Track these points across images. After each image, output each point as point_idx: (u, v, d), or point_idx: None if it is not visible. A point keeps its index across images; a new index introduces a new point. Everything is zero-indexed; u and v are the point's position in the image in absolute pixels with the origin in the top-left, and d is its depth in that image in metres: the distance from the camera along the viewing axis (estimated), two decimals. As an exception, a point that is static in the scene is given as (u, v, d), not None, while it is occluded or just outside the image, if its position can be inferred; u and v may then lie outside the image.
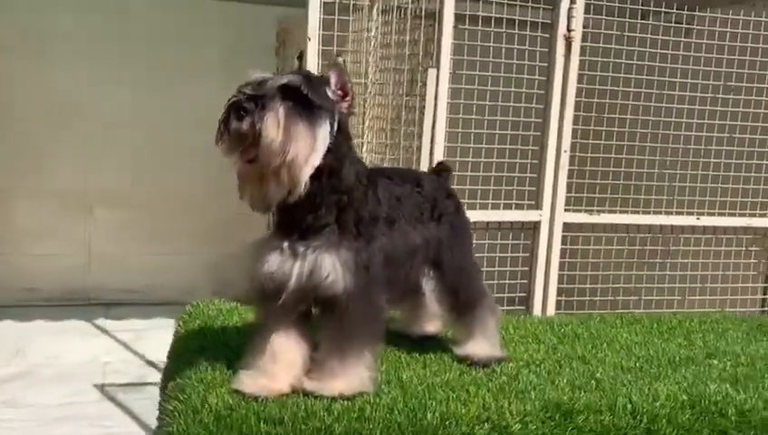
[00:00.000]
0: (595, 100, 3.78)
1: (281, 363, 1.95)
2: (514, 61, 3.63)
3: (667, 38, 3.83)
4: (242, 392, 1.91)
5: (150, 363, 5.01)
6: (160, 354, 5.00)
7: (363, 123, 3.83)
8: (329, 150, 1.85)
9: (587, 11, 3.64)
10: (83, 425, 4.08)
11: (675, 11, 3.85)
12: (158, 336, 5.50)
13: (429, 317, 2.45)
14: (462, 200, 2.42)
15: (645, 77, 3.81)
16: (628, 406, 2.01)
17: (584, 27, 3.64)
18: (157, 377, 4.82)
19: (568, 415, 1.97)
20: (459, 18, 3.47)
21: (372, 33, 3.82)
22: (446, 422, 1.88)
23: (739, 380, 2.25)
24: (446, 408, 1.92)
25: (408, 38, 3.48)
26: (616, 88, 3.80)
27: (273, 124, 1.75)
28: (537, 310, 3.73)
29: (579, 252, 3.86)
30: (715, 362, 2.44)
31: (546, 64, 3.65)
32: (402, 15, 3.57)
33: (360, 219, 1.96)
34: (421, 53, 3.47)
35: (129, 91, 5.95)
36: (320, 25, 3.31)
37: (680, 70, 3.84)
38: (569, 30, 3.60)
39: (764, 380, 2.25)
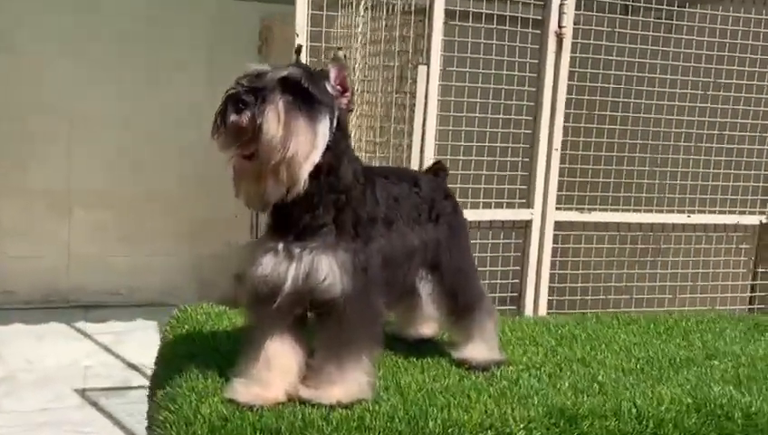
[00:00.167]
0: (586, 97, 3.74)
1: (275, 370, 1.88)
2: (505, 58, 3.58)
3: (657, 34, 3.79)
4: (236, 402, 1.84)
5: (132, 367, 4.92)
6: (142, 357, 4.96)
7: (351, 121, 3.76)
8: (327, 148, 1.78)
9: (578, 7, 3.60)
10: (65, 431, 3.99)
11: (662, 6, 3.81)
12: (139, 339, 5.43)
13: (425, 320, 2.40)
14: (452, 199, 2.35)
15: (636, 74, 3.77)
16: (633, 410, 1.97)
17: (575, 24, 3.60)
18: (139, 380, 4.78)
19: (572, 420, 1.92)
20: (449, 14, 3.41)
21: (360, 29, 3.75)
22: (449, 430, 1.82)
23: (742, 381, 2.22)
24: (447, 415, 1.86)
25: (397, 34, 3.41)
26: (607, 85, 3.76)
27: (273, 118, 1.67)
28: (528, 309, 3.69)
29: (570, 251, 3.83)
30: (716, 362, 2.41)
31: (537, 61, 3.60)
32: (392, 11, 3.50)
33: (358, 220, 1.90)
34: (411, 50, 3.41)
35: (110, 90, 5.84)
36: (308, 21, 3.23)
37: (670, 67, 3.81)
38: (560, 26, 3.56)
39: (767, 381, 2.22)
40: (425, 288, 2.21)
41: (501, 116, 3.65)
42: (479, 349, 2.25)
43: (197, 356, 2.14)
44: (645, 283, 3.94)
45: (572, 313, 3.70)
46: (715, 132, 3.92)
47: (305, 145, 1.71)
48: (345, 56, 2.27)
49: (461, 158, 3.58)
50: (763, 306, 4.07)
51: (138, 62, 5.85)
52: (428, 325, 2.42)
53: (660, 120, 3.86)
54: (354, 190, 1.89)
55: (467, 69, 3.55)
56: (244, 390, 1.86)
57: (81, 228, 6.00)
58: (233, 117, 1.68)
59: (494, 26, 3.54)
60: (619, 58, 3.73)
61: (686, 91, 3.85)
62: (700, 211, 3.92)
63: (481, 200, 3.61)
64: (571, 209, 3.76)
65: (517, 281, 3.73)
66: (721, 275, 4.03)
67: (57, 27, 5.71)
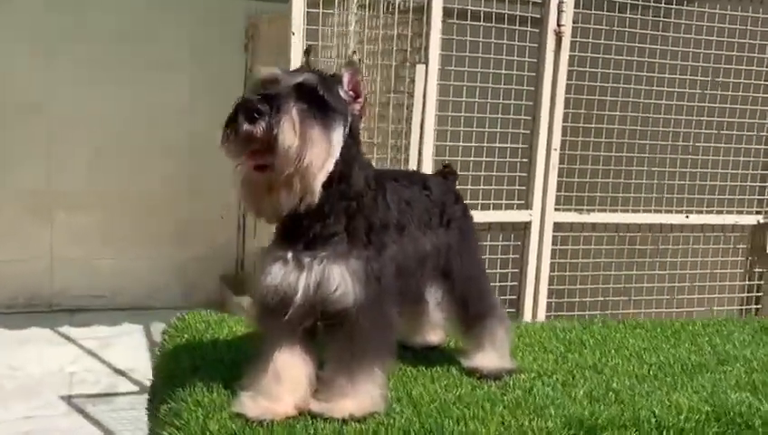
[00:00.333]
0: (584, 96, 3.70)
1: (285, 384, 1.80)
2: (504, 57, 3.53)
3: (656, 33, 3.76)
4: (244, 416, 1.76)
5: (119, 372, 4.82)
6: (129, 362, 4.87)
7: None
8: (339, 155, 1.71)
9: (576, 5, 3.55)
10: (52, 440, 3.89)
11: (659, 5, 3.78)
12: (125, 343, 5.34)
13: (432, 327, 2.34)
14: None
15: (634, 73, 3.73)
16: (653, 420, 1.92)
17: (574, 22, 3.55)
18: (127, 386, 4.69)
19: (592, 431, 1.86)
20: (447, 12, 3.35)
21: (353, 27, 3.68)
22: (467, 443, 1.76)
23: (758, 387, 2.18)
24: (464, 428, 1.80)
25: (395, 33, 3.34)
26: (605, 84, 3.72)
27: (290, 129, 1.59)
28: (528, 311, 3.65)
29: (569, 252, 3.78)
30: (728, 368, 2.36)
31: (536, 60, 3.55)
32: (389, 9, 3.43)
33: (370, 227, 1.82)
34: (409, 48, 3.34)
35: (92, 89, 5.69)
36: (304, 20, 3.16)
37: (669, 66, 3.78)
38: (559, 25, 3.51)
39: (783, 387, 2.18)
40: (433, 294, 2.16)
41: (499, 116, 3.60)
42: (490, 357, 2.18)
43: (200, 368, 2.06)
44: (644, 283, 3.91)
45: (572, 314, 3.68)
46: (713, 131, 3.90)
47: (320, 155, 1.65)
48: (360, 60, 2.19)
49: (459, 158, 3.52)
50: (759, 307, 4.06)
51: (120, 60, 5.71)
52: (435, 332, 2.36)
53: (659, 120, 3.82)
54: (365, 196, 1.83)
55: (465, 68, 3.49)
56: (252, 404, 1.79)
57: (64, 230, 5.87)
58: (246, 126, 1.60)
59: (493, 25, 3.49)
60: (618, 57, 3.68)
61: (684, 90, 3.81)
62: (698, 211, 3.89)
63: (479, 202, 3.55)
64: (570, 210, 3.72)
65: (516, 284, 3.68)
66: (719, 275, 4.01)
67: (37, 26, 5.57)
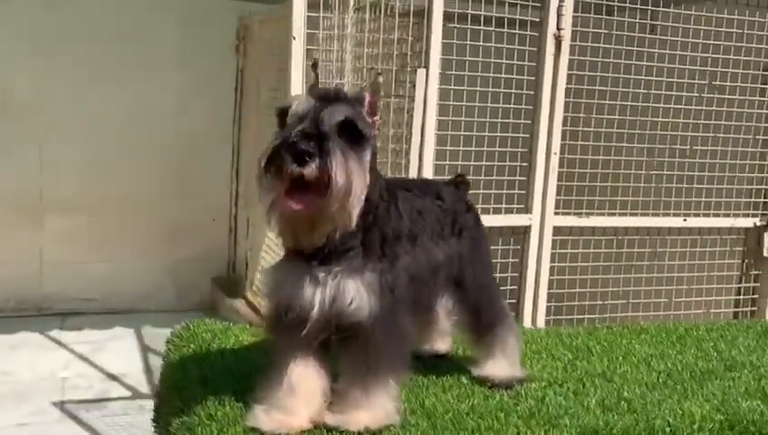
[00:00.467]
0: (583, 100, 3.69)
1: (300, 397, 1.78)
2: (503, 60, 3.52)
3: (654, 37, 3.76)
4: (259, 430, 1.74)
5: (112, 377, 4.76)
6: (122, 367, 4.82)
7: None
8: None
9: (576, 9, 3.55)
10: (45, 447, 3.84)
11: (657, 8, 3.79)
12: (117, 347, 5.28)
13: (441, 335, 2.33)
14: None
15: (632, 77, 3.74)
16: (667, 429, 1.92)
17: (573, 26, 3.55)
18: (119, 391, 4.64)
19: (607, 442, 1.86)
20: (447, 17, 3.34)
21: (349, 31, 3.66)
22: (484, 456, 1.75)
23: (768, 395, 2.18)
24: (481, 440, 1.79)
25: (395, 37, 3.32)
26: (604, 88, 3.72)
27: (342, 172, 1.60)
28: (527, 315, 3.64)
29: (567, 256, 3.78)
30: (736, 374, 2.37)
31: (535, 64, 3.54)
32: (386, 13, 3.41)
33: (384, 238, 1.81)
34: (409, 52, 3.32)
35: (82, 90, 5.62)
36: (304, 23, 3.13)
37: (666, 69, 3.78)
38: (558, 29, 3.50)
39: (793, 394, 2.18)
40: (443, 303, 2.14)
41: (499, 120, 3.58)
42: (500, 366, 2.17)
43: (210, 380, 2.03)
44: (642, 286, 3.92)
45: (571, 318, 3.68)
46: (710, 135, 3.91)
47: (359, 185, 1.65)
48: (379, 75, 2.17)
49: (459, 163, 3.51)
50: (755, 309, 4.08)
51: (111, 61, 5.64)
52: (444, 341, 2.36)
53: (656, 123, 3.83)
54: (379, 208, 1.81)
55: (465, 72, 3.48)
56: (267, 417, 1.77)
57: (54, 233, 5.79)
58: (294, 168, 1.59)
59: (493, 29, 3.48)
60: (617, 61, 3.68)
61: (682, 94, 3.82)
62: (696, 214, 3.90)
63: (479, 206, 3.53)
64: (569, 214, 3.71)
65: (516, 287, 3.67)
66: (716, 277, 4.03)
67: (27, 26, 5.49)
